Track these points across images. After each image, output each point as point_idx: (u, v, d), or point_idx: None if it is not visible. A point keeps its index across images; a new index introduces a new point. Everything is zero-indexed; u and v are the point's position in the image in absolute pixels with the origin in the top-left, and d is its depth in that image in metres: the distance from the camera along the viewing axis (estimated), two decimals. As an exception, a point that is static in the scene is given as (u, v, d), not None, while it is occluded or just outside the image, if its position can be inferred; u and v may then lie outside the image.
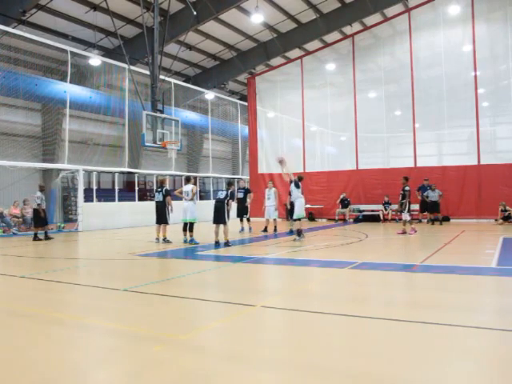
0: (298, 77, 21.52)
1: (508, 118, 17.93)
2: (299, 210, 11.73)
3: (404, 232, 12.98)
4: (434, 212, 16.67)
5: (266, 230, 14.29)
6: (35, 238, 13.32)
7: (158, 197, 12.00)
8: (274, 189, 14.73)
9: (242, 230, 14.69)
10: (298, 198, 11.77)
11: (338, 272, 7.25)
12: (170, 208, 11.88)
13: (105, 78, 19.66)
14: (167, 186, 12.36)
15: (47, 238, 13.50)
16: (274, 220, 14.48)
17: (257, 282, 7.06)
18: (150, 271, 7.94)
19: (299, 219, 11.76)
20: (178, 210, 12.31)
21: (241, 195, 14.58)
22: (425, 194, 16.69)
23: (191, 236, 11.60)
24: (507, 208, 16.08)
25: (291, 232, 13.67)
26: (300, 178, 12.05)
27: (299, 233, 11.62)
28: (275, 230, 14.24)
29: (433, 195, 16.56)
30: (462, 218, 17.40)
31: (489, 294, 5.81)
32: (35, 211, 13.51)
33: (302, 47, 23.16)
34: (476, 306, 5.03)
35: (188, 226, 11.65)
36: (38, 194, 13.49)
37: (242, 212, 14.60)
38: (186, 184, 12.03)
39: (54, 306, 5.33)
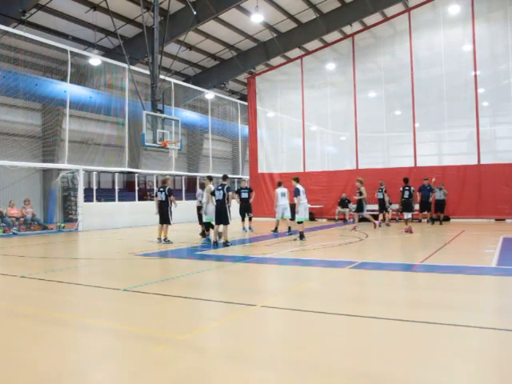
0: (298, 76, 21.53)
1: (508, 117, 17.94)
2: (300, 214, 11.81)
3: (407, 231, 13.25)
4: (438, 211, 16.64)
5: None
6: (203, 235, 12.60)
7: (161, 196, 11.85)
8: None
9: (244, 229, 14.74)
10: (299, 202, 11.83)
11: (338, 272, 7.25)
12: (173, 206, 11.82)
13: (105, 77, 19.66)
14: (170, 186, 12.26)
15: (204, 234, 12.67)
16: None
17: (257, 281, 7.06)
18: (150, 271, 7.94)
19: (301, 222, 11.85)
20: (177, 211, 12.34)
21: (245, 195, 14.79)
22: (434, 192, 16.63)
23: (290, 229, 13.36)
24: (361, 189, 14.36)
25: (289, 230, 13.72)
26: (297, 180, 12.13)
27: (301, 235, 11.69)
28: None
29: (439, 194, 16.55)
30: (462, 217, 17.41)
31: (489, 293, 5.81)
32: (199, 209, 12.87)
33: (301, 47, 23.14)
34: (477, 306, 5.03)
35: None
36: (199, 191, 13.10)
37: (247, 211, 14.81)
38: (279, 187, 13.82)
39: (54, 306, 5.33)
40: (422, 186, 16.40)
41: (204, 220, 12.07)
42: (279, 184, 14.17)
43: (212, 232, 11.64)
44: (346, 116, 20.38)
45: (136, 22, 19.63)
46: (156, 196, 12.20)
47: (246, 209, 14.87)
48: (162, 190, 11.95)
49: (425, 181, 16.36)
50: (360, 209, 14.28)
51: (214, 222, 11.54)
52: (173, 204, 11.81)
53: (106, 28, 19.41)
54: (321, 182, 20.53)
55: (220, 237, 11.28)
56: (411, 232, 13.09)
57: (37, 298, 5.80)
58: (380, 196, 16.43)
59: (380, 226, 15.61)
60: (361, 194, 14.10)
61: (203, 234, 12.66)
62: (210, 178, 12.17)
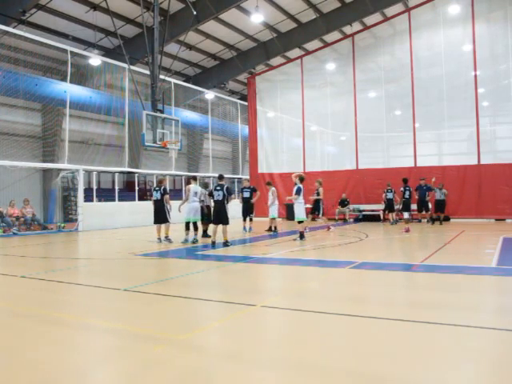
0: (297, 76, 21.53)
1: (508, 117, 17.93)
2: (299, 213, 11.81)
3: (407, 230, 13.40)
4: (438, 211, 16.61)
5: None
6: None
7: (156, 195, 11.88)
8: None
9: (245, 229, 14.73)
10: (297, 201, 11.84)
11: (338, 272, 7.25)
12: (168, 207, 11.87)
13: (105, 77, 19.66)
14: (166, 186, 12.29)
15: (206, 234, 12.71)
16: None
17: (257, 281, 7.06)
18: (150, 271, 7.94)
19: (301, 221, 11.84)
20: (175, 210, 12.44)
21: (247, 194, 14.67)
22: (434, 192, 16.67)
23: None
24: (319, 191, 14.01)
25: (270, 230, 14.14)
26: (302, 179, 12.10)
27: (301, 235, 11.70)
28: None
29: (439, 194, 16.53)
30: (462, 217, 17.41)
31: (489, 293, 5.81)
32: (201, 208, 12.53)
33: (301, 47, 23.16)
34: (476, 306, 5.02)
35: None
36: (202, 191, 12.69)
37: (248, 211, 14.73)
38: (272, 186, 14.86)
39: (54, 306, 5.33)
40: (419, 185, 16.43)
41: (184, 220, 11.93)
42: (269, 183, 15.47)
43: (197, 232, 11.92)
44: (346, 116, 20.38)
45: (136, 22, 19.63)
46: (151, 196, 12.27)
47: (247, 209, 14.72)
48: (157, 189, 11.99)
49: (421, 181, 16.35)
50: (318, 210, 14.28)
51: (187, 220, 11.85)
52: (167, 204, 11.83)
53: (106, 28, 19.41)
54: (321, 182, 20.50)
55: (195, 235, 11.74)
56: (409, 231, 13.23)
57: (37, 297, 5.80)
58: (390, 196, 16.73)
59: (389, 221, 16.71)
60: (318, 194, 14.12)
61: (205, 234, 12.67)
62: (195, 178, 12.26)
